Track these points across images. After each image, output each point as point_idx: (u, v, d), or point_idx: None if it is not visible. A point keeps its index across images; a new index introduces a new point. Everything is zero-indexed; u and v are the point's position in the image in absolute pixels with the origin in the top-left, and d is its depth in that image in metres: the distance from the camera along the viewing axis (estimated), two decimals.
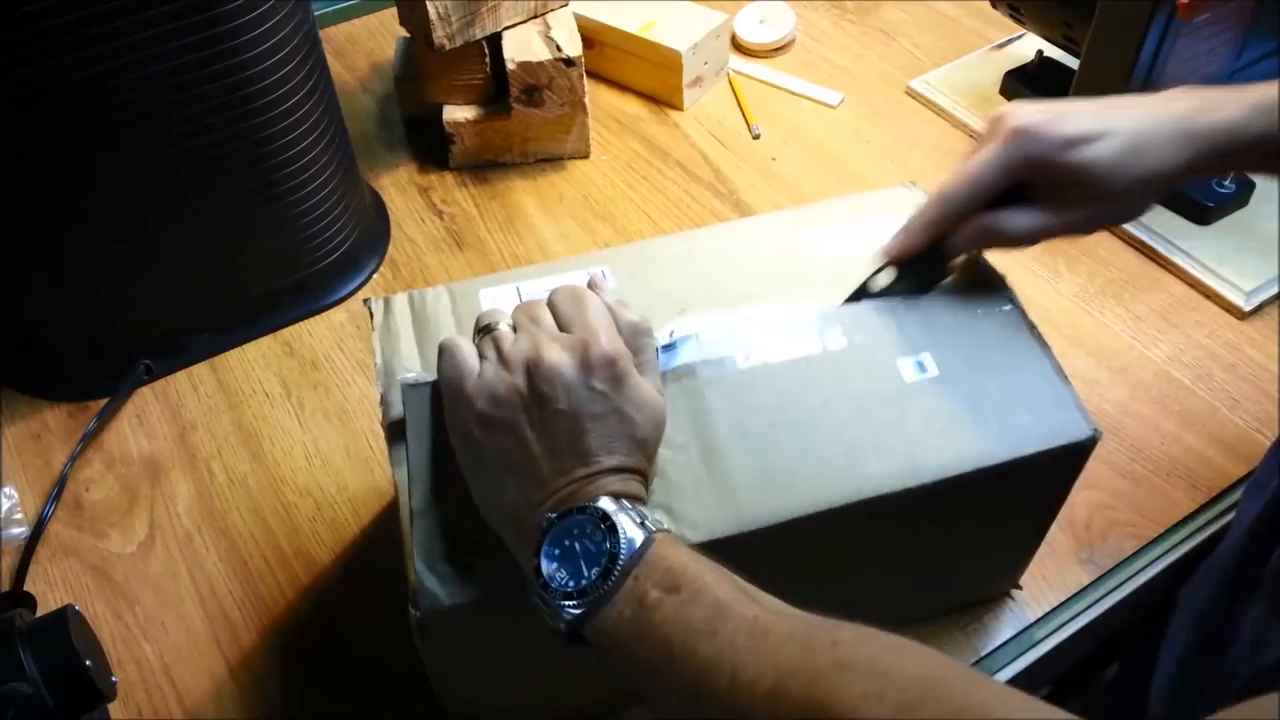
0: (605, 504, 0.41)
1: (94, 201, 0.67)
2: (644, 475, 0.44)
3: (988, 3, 0.95)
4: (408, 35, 0.92)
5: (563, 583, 0.40)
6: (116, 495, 0.70)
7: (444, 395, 0.46)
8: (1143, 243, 0.83)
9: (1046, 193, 0.51)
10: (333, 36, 1.08)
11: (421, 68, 0.90)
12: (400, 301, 0.54)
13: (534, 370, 0.43)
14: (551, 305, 0.46)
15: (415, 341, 0.52)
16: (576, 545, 0.41)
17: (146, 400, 0.75)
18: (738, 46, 1.05)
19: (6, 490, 0.69)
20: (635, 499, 0.42)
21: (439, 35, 0.83)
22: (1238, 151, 0.50)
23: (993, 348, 0.52)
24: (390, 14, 1.09)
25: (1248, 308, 0.77)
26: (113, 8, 0.59)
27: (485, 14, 0.85)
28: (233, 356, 0.78)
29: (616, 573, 0.39)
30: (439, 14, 0.82)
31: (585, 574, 0.40)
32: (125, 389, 0.75)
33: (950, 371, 0.50)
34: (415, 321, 0.53)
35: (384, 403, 0.50)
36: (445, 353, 0.46)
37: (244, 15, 0.64)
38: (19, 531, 0.67)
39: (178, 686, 0.61)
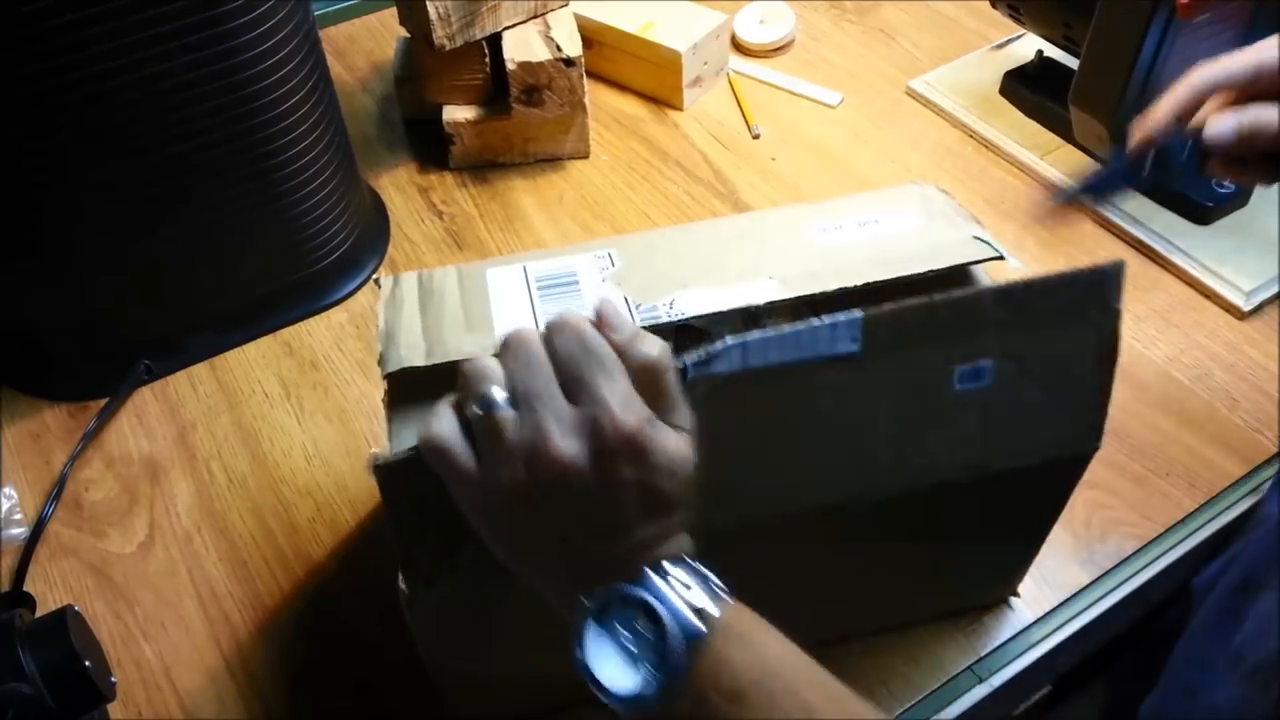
0: (649, 585, 0.38)
1: (93, 201, 0.67)
2: (680, 519, 0.41)
3: (988, 3, 0.95)
4: (408, 35, 0.92)
5: (613, 687, 0.37)
6: (116, 495, 0.70)
7: (452, 495, 0.41)
8: (1142, 243, 0.83)
9: None
10: (333, 36, 1.08)
11: (421, 68, 0.90)
12: (409, 278, 0.54)
13: (543, 467, 0.38)
14: (552, 355, 0.40)
15: (419, 311, 0.52)
16: (621, 639, 0.38)
17: (146, 400, 0.75)
18: (737, 46, 1.05)
19: (6, 490, 0.69)
20: (676, 558, 0.39)
21: (439, 35, 0.83)
22: None
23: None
24: (390, 14, 1.09)
25: (1248, 308, 0.77)
26: (113, 8, 0.59)
27: (485, 14, 0.85)
28: (233, 356, 0.78)
29: (669, 677, 0.37)
30: (439, 14, 0.82)
31: (637, 674, 0.37)
32: (125, 389, 0.75)
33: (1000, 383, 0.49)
34: (422, 293, 0.53)
35: (382, 361, 0.49)
36: (433, 454, 0.40)
37: (244, 15, 0.64)
38: (19, 531, 0.67)
39: (177, 686, 0.61)
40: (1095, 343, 0.50)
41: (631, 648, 0.38)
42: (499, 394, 0.39)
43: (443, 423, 0.40)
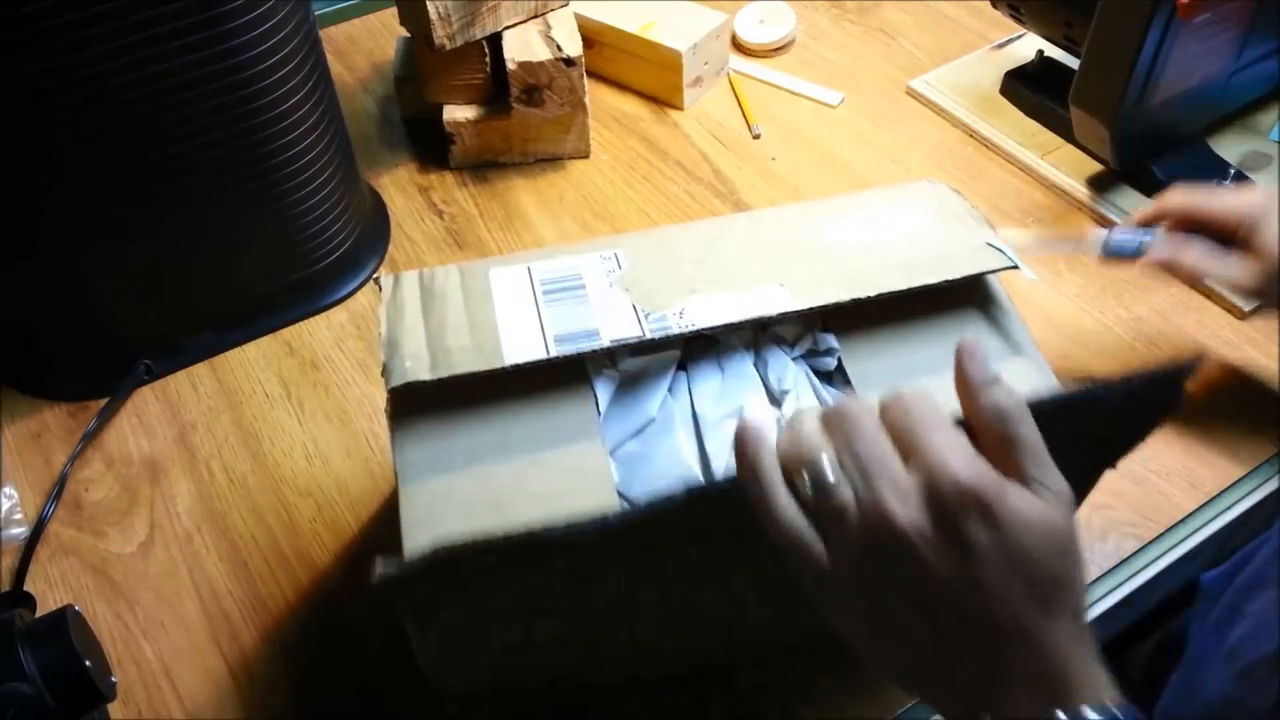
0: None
1: (93, 201, 0.67)
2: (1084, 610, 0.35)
3: (988, 3, 0.95)
4: (408, 35, 0.92)
5: None
6: (116, 495, 0.70)
7: (810, 595, 0.37)
8: None
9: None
10: (333, 36, 1.08)
11: (421, 68, 0.90)
12: (410, 278, 0.54)
13: (889, 545, 0.34)
14: (885, 417, 0.36)
15: (421, 315, 0.52)
16: None
17: (146, 400, 0.75)
18: (738, 46, 1.05)
19: (6, 490, 0.69)
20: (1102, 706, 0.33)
21: (439, 35, 0.83)
22: None
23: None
24: (390, 14, 1.09)
25: (1248, 308, 0.77)
26: (113, 8, 0.59)
27: (485, 14, 0.85)
28: (233, 356, 0.78)
29: None
30: (439, 14, 0.82)
31: None
32: (125, 389, 0.75)
33: None
34: (423, 295, 0.53)
35: (385, 372, 0.49)
36: (788, 544, 0.36)
37: (244, 15, 0.64)
38: (19, 531, 0.67)
39: (178, 686, 0.61)
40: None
41: None
42: (831, 471, 0.35)
43: (785, 507, 0.36)
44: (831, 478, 0.35)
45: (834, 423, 0.36)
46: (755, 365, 0.54)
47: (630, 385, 0.53)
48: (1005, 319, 0.53)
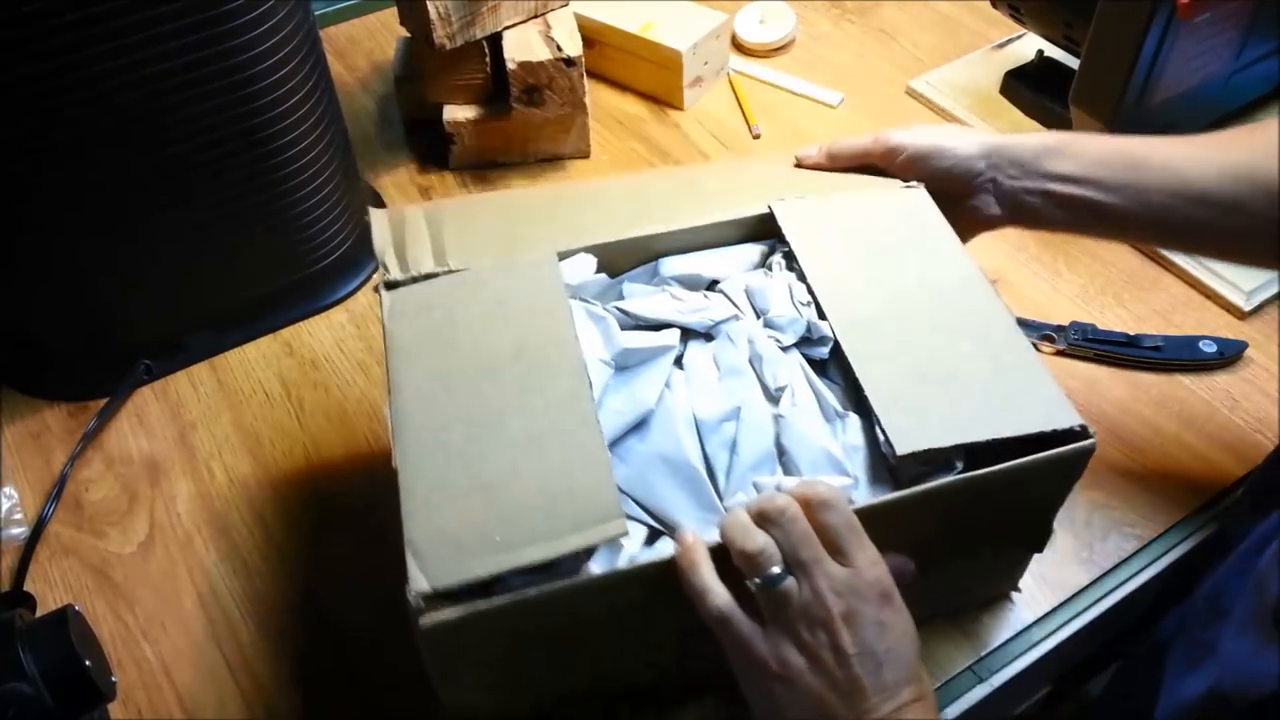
0: None
1: (94, 201, 0.67)
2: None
3: (988, 3, 0.95)
4: (408, 35, 0.92)
5: None
6: (116, 495, 0.70)
7: (733, 659, 0.46)
8: None
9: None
10: (333, 36, 1.08)
11: (421, 68, 0.90)
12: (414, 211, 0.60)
13: (824, 627, 0.44)
14: (814, 515, 0.46)
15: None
16: None
17: (146, 400, 0.75)
18: (738, 46, 1.05)
19: (6, 490, 0.69)
20: None
21: (439, 35, 0.83)
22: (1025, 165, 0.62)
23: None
24: (390, 14, 1.09)
25: (1248, 308, 0.77)
26: (113, 8, 0.59)
27: (485, 14, 0.85)
28: (233, 356, 0.78)
29: None
30: (439, 14, 0.82)
31: None
32: (125, 389, 0.75)
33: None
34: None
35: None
36: (720, 627, 0.45)
37: (244, 15, 0.64)
38: (19, 531, 0.67)
39: (178, 686, 0.61)
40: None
41: None
42: (778, 569, 0.44)
43: (719, 598, 0.45)
44: (778, 572, 0.44)
45: (771, 519, 0.45)
46: (751, 362, 0.54)
47: (627, 373, 0.54)
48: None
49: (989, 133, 0.71)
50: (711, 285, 0.60)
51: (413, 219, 0.59)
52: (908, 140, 0.63)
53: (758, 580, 0.44)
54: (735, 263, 0.60)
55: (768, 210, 0.60)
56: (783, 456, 0.52)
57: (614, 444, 0.52)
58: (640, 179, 0.63)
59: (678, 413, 0.52)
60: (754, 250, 0.61)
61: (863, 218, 0.61)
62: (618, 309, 0.57)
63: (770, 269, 0.59)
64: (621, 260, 0.60)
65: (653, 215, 0.60)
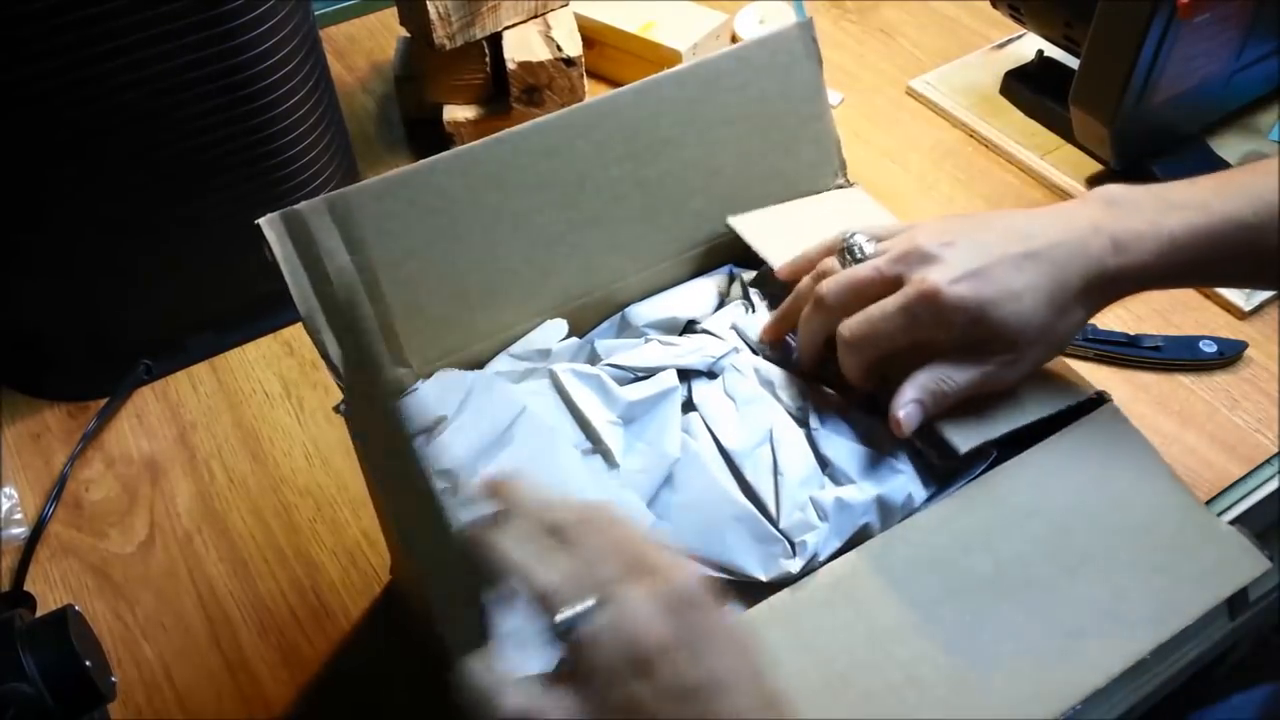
0: None
1: (94, 201, 0.67)
2: None
3: (988, 3, 0.95)
4: (408, 35, 0.92)
5: None
6: (116, 495, 0.70)
7: None
8: None
9: (961, 347, 0.48)
10: (333, 36, 1.07)
11: (421, 68, 0.90)
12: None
13: (650, 660, 0.34)
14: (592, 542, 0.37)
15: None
16: None
17: (146, 400, 0.75)
18: None
19: (6, 490, 0.69)
20: None
21: (439, 35, 0.83)
22: (1147, 285, 0.49)
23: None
24: (390, 14, 1.09)
25: (1248, 308, 0.77)
26: (113, 8, 0.59)
27: (485, 14, 0.85)
28: (233, 356, 0.78)
29: None
30: (439, 14, 0.82)
31: None
32: (125, 389, 0.75)
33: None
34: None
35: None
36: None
37: (244, 15, 0.64)
38: (19, 531, 0.67)
39: (178, 686, 0.61)
40: None
41: None
42: (577, 607, 0.35)
43: (516, 695, 0.35)
44: (580, 611, 0.35)
45: (564, 544, 0.37)
46: (763, 387, 0.53)
47: (637, 427, 0.51)
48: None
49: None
50: (689, 325, 0.57)
51: (330, 251, 0.49)
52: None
53: (557, 632, 0.35)
54: (703, 296, 0.58)
55: (722, 229, 0.58)
56: (826, 469, 0.49)
57: (650, 505, 0.49)
58: (563, 193, 0.54)
59: (705, 454, 0.49)
60: (715, 282, 0.59)
61: (811, 217, 0.59)
62: (610, 365, 0.53)
63: (752, 305, 0.57)
64: (586, 315, 0.57)
65: (607, 257, 0.55)
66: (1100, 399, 0.50)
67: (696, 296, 0.58)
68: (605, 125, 0.54)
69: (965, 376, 0.48)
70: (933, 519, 0.46)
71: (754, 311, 0.57)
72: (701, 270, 0.60)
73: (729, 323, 0.56)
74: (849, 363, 0.49)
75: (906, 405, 0.48)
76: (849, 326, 0.49)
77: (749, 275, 0.59)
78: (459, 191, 0.51)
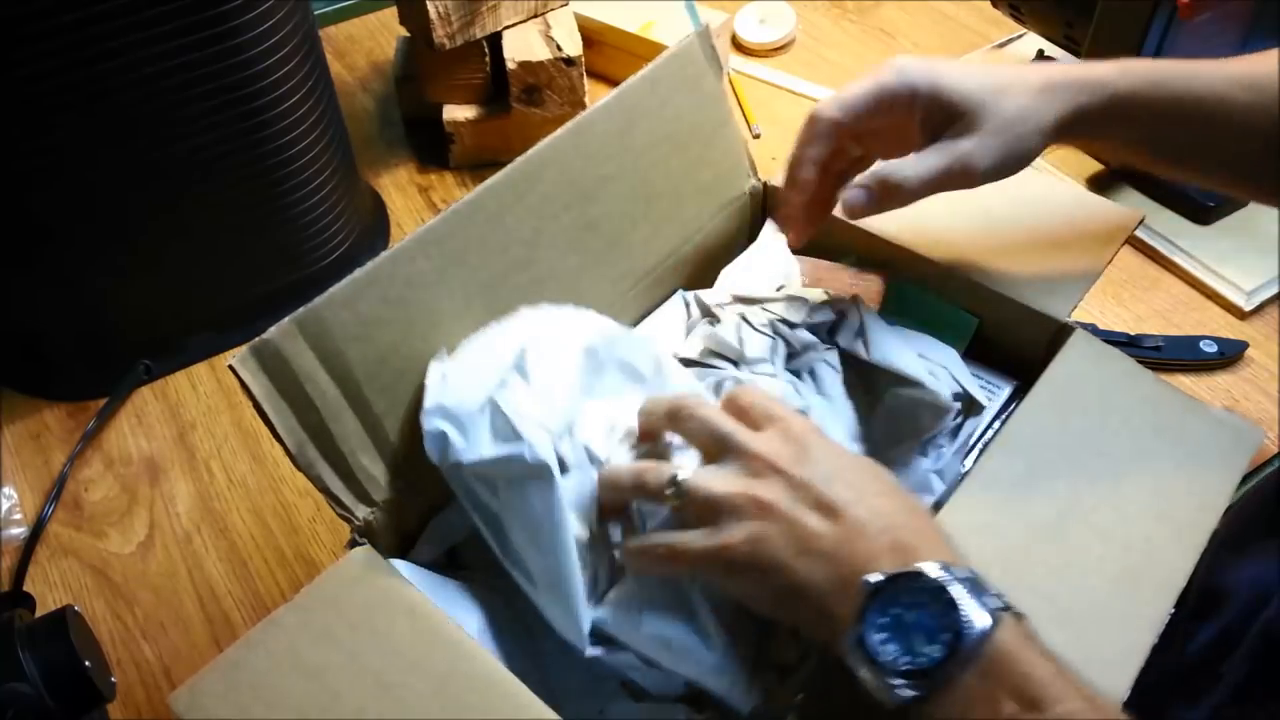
0: (930, 570, 0.37)
1: (93, 201, 0.67)
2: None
3: (988, 2, 0.95)
4: (408, 35, 0.92)
5: (892, 659, 0.36)
6: (116, 495, 0.70)
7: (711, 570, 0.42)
8: (1143, 242, 0.82)
9: (928, 135, 0.50)
10: (333, 36, 1.07)
11: (421, 67, 0.90)
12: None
13: (773, 485, 0.41)
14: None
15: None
16: (907, 616, 0.36)
17: (146, 400, 0.75)
18: (738, 46, 1.05)
19: (6, 490, 0.69)
20: (951, 564, 0.38)
21: (439, 35, 0.83)
22: (1107, 108, 0.50)
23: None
24: (390, 14, 1.09)
25: (1248, 308, 0.77)
26: (113, 7, 0.59)
27: (485, 13, 0.85)
28: (232, 356, 0.78)
29: (961, 656, 0.35)
30: (439, 13, 0.82)
31: (922, 652, 0.36)
32: (125, 389, 0.75)
33: None
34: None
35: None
36: (665, 562, 0.42)
37: (244, 15, 0.64)
38: (18, 532, 0.67)
39: (177, 686, 0.60)
40: None
41: (923, 619, 0.36)
42: (689, 463, 0.43)
43: (646, 537, 0.43)
44: (691, 467, 0.43)
45: (681, 417, 0.45)
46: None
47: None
48: None
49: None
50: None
51: (308, 374, 0.47)
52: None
53: (669, 490, 0.41)
54: (673, 328, 0.59)
55: (664, 254, 0.59)
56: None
57: None
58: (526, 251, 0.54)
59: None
60: (674, 310, 0.60)
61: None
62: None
63: (716, 319, 0.57)
64: None
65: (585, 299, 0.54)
66: (1068, 328, 0.53)
67: (666, 327, 0.59)
68: (549, 175, 0.53)
69: (924, 162, 0.49)
70: (974, 485, 0.48)
71: (743, 339, 0.56)
72: (655, 302, 0.61)
73: (700, 347, 0.56)
74: None
75: (853, 188, 0.50)
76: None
77: (700, 295, 0.59)
78: (426, 275, 0.50)
